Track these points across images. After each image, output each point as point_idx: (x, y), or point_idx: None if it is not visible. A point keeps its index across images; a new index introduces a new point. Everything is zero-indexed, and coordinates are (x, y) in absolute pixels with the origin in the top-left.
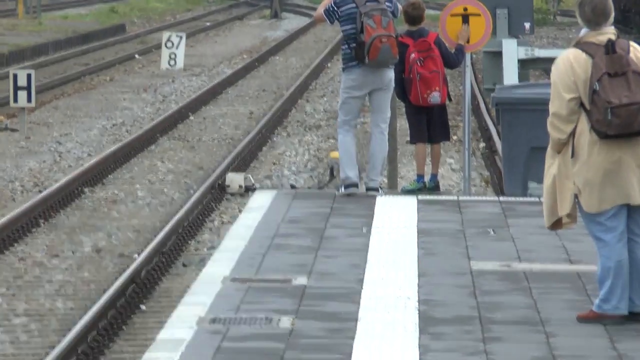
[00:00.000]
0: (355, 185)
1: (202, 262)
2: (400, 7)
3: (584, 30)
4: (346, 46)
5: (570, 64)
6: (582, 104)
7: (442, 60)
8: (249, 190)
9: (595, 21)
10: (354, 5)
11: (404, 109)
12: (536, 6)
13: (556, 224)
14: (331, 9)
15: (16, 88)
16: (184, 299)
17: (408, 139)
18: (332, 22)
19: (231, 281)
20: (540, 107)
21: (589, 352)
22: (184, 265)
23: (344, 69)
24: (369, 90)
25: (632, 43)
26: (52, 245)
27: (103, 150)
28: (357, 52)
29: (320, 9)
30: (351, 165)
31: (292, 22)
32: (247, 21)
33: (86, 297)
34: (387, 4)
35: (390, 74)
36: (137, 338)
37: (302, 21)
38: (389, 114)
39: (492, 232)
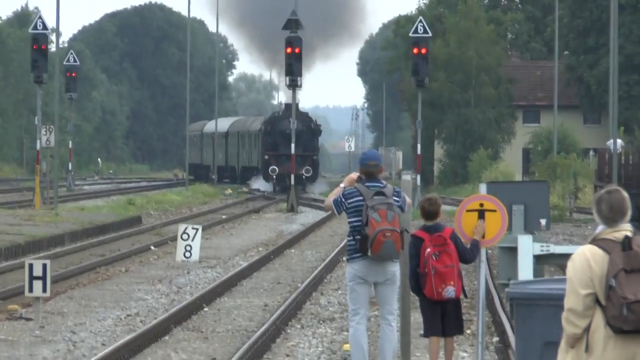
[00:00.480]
0: None
1: None
2: (409, 201)
3: (600, 227)
4: (351, 238)
5: (586, 260)
6: (597, 300)
7: (457, 255)
8: None
9: (612, 218)
10: (361, 198)
11: (417, 302)
12: (553, 203)
13: None
14: (339, 200)
15: (31, 278)
16: None
17: (422, 332)
18: (339, 213)
19: None
20: (554, 302)
21: None
22: None
23: (348, 260)
24: (372, 281)
25: None
26: None
27: (117, 340)
28: (361, 244)
29: (330, 198)
30: None
31: (307, 216)
32: (263, 214)
33: None
34: (394, 198)
35: (394, 267)
36: None
37: (318, 215)
38: (395, 307)
39: None
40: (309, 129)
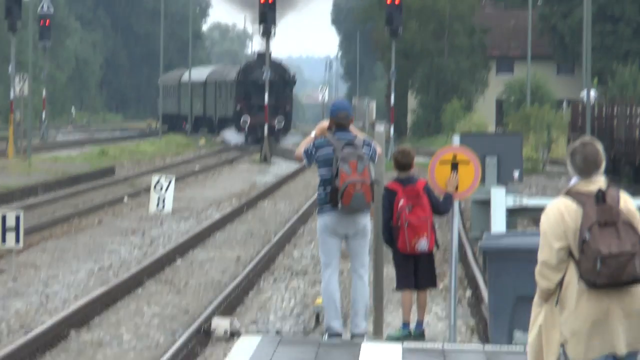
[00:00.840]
0: (339, 334)
1: None
2: (379, 151)
3: (574, 179)
4: (322, 189)
5: (560, 213)
6: (570, 253)
7: (430, 208)
8: (234, 335)
9: (586, 170)
10: (331, 149)
11: (391, 256)
12: (526, 155)
13: None
14: (310, 151)
15: (4, 229)
16: None
17: (394, 285)
18: (309, 164)
19: None
20: (527, 256)
21: None
22: None
23: (318, 212)
24: (343, 233)
25: (622, 193)
26: None
27: (90, 293)
28: (331, 196)
29: (301, 148)
30: (334, 314)
31: (281, 167)
32: (237, 165)
33: None
34: (365, 148)
35: (365, 220)
36: None
37: (292, 166)
38: (367, 260)
39: None
40: (282, 78)
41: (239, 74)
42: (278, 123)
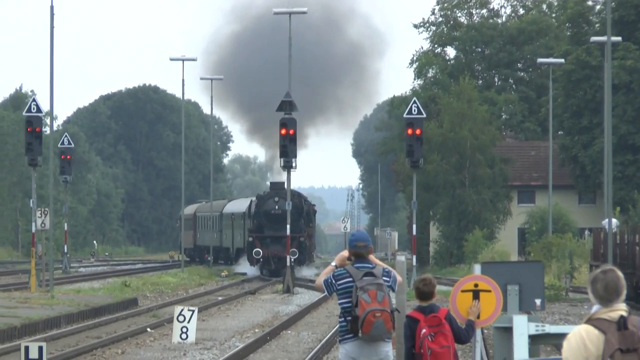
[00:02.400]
0: None
1: None
2: (399, 280)
3: (595, 307)
4: (342, 319)
5: (582, 340)
6: None
7: (453, 336)
8: None
9: (607, 298)
10: (350, 279)
11: None
12: (548, 282)
13: None
14: (330, 280)
15: None
16: None
17: None
18: (330, 294)
19: None
20: None
21: None
22: None
23: (340, 341)
24: None
25: None
26: None
27: None
28: (352, 325)
29: (321, 279)
30: None
31: (304, 297)
32: (259, 295)
33: None
34: (384, 278)
35: (387, 347)
36: None
37: (314, 296)
38: None
39: None
40: (296, 208)
41: (250, 205)
42: (292, 255)
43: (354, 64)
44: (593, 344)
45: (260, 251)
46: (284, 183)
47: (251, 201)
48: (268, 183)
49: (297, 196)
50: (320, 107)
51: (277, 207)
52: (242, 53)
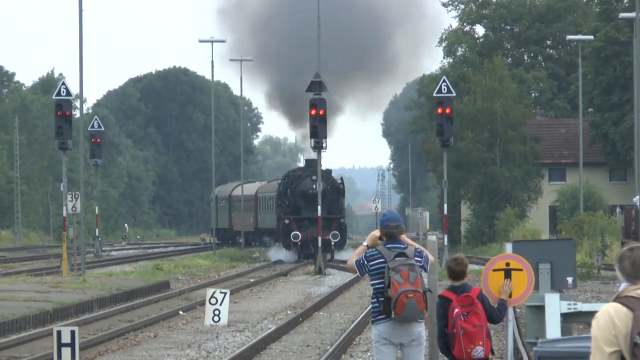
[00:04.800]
0: None
1: None
2: (431, 260)
3: (624, 284)
4: (375, 300)
5: (610, 318)
6: (622, 358)
7: (485, 315)
8: None
9: (635, 275)
10: (382, 260)
11: None
12: (580, 260)
13: None
14: (362, 261)
15: (60, 345)
16: None
17: None
18: (362, 275)
19: None
20: None
21: None
22: None
23: (372, 322)
24: (398, 342)
25: None
26: None
27: None
28: (384, 306)
29: (353, 259)
30: None
31: (335, 278)
32: (291, 277)
33: None
34: (416, 259)
35: (420, 328)
36: None
37: (346, 277)
38: None
39: None
40: (334, 188)
41: (284, 185)
42: (333, 237)
43: (383, 42)
44: (621, 321)
45: (299, 234)
46: (320, 160)
47: (281, 181)
48: (299, 164)
49: (331, 175)
50: (350, 84)
51: (314, 186)
52: (272, 32)
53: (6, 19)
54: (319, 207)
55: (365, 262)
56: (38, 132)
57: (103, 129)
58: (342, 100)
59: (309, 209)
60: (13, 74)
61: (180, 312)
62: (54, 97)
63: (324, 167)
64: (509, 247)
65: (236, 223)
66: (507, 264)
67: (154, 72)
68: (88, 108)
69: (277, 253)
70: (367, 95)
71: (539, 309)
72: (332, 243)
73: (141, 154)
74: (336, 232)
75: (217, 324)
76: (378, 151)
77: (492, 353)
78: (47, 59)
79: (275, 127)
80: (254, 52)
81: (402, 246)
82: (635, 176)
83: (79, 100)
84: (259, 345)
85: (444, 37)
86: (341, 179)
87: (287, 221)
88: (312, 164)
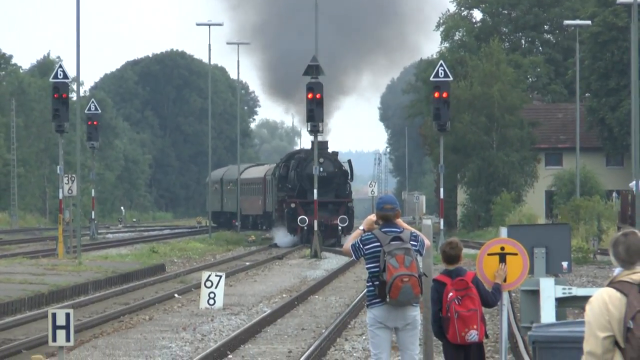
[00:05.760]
0: None
1: None
2: (427, 244)
3: (617, 269)
4: (370, 283)
5: (604, 303)
6: (616, 343)
7: (479, 299)
8: None
9: (629, 261)
10: (378, 244)
11: (441, 347)
12: (576, 245)
13: None
14: (357, 245)
15: (55, 327)
16: None
17: None
18: (357, 258)
19: None
20: (576, 345)
21: None
22: None
23: (368, 305)
24: (392, 326)
25: None
26: None
27: None
28: (379, 290)
29: (349, 243)
30: None
31: (331, 262)
32: (287, 261)
33: None
34: (412, 242)
35: (414, 312)
36: None
37: (342, 260)
38: (417, 351)
39: None
40: (342, 171)
41: (285, 167)
42: (341, 222)
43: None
44: (615, 306)
45: (306, 218)
46: (326, 142)
47: (282, 163)
48: (298, 148)
49: (337, 158)
50: (348, 68)
51: (322, 169)
52: (270, 14)
53: (3, 1)
54: (315, 191)
55: (361, 246)
56: (35, 114)
57: (100, 111)
58: (347, 81)
59: (318, 193)
60: (10, 57)
61: (176, 295)
62: (51, 79)
63: (329, 150)
64: (504, 231)
65: (244, 207)
66: (502, 248)
67: (151, 55)
68: (85, 91)
69: (284, 238)
70: (370, 76)
71: (534, 294)
72: (340, 228)
73: (138, 137)
74: (344, 216)
75: (213, 307)
76: (375, 135)
77: (487, 337)
78: (44, 41)
79: (272, 111)
80: (251, 36)
81: (398, 230)
82: (632, 161)
83: (76, 83)
84: (254, 329)
85: (441, 21)
86: (348, 161)
87: (293, 205)
88: (320, 146)
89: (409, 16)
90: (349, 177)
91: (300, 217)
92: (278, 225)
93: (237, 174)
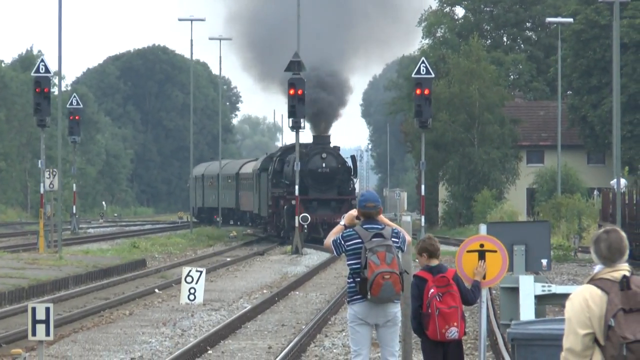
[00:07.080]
0: None
1: None
2: (408, 240)
3: (598, 267)
4: (351, 280)
5: (585, 300)
6: (596, 340)
7: (460, 296)
8: None
9: (610, 258)
10: (359, 240)
11: (419, 343)
12: (557, 243)
13: None
14: (338, 241)
15: (35, 321)
16: None
17: None
18: (338, 254)
19: None
20: (555, 342)
21: None
22: None
23: (348, 302)
24: (373, 323)
25: None
26: None
27: None
28: (360, 286)
29: (330, 239)
30: None
31: (312, 258)
32: (268, 257)
33: None
34: (393, 239)
35: (395, 309)
36: None
37: (323, 256)
38: (397, 348)
39: None
40: (345, 167)
41: (279, 162)
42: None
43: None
44: (596, 304)
45: (308, 216)
46: (328, 137)
47: (276, 158)
48: (279, 144)
49: (339, 153)
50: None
51: (324, 165)
52: (253, 9)
53: None
54: (297, 187)
55: (342, 242)
56: (17, 108)
57: (82, 106)
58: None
59: (319, 189)
60: None
61: (156, 290)
62: (32, 74)
63: (331, 145)
64: (483, 228)
65: (243, 202)
66: (482, 245)
67: (133, 50)
68: (67, 85)
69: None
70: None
71: (514, 291)
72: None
73: (120, 132)
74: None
75: (193, 302)
76: (357, 131)
77: (465, 334)
78: (26, 36)
79: (254, 106)
80: (233, 32)
81: (380, 227)
82: (613, 159)
83: (57, 77)
84: (234, 324)
85: (423, 17)
86: (351, 157)
87: (293, 202)
88: (322, 141)
89: (392, 12)
90: (352, 173)
91: (302, 215)
92: (272, 223)
93: (219, 169)
